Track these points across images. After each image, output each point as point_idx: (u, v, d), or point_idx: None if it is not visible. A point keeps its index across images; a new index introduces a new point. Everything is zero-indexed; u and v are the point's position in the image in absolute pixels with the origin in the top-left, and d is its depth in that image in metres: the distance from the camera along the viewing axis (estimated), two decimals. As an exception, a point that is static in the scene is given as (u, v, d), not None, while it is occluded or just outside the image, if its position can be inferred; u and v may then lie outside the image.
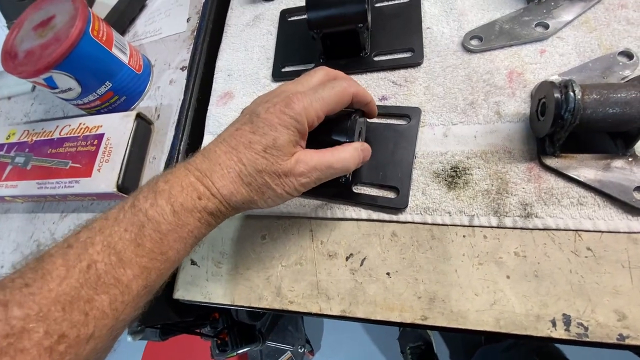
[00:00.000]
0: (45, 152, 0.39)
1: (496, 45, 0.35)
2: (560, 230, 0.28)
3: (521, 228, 0.29)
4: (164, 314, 0.37)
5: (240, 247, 0.36)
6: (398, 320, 0.29)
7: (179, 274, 0.37)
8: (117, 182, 0.35)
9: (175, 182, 0.23)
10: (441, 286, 0.29)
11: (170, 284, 0.36)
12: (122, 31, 0.48)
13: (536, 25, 0.34)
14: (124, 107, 0.42)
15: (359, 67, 0.38)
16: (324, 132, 0.28)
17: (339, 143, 0.28)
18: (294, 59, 0.42)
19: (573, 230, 0.28)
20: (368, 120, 0.35)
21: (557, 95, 0.26)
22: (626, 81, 0.28)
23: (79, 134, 0.38)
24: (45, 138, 0.40)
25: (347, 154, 0.27)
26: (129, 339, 0.36)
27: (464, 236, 0.30)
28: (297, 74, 0.41)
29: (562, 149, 0.29)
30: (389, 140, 0.34)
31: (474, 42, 0.36)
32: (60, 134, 0.40)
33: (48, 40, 0.34)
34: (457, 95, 0.34)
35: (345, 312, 0.31)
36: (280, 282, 0.33)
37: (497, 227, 0.29)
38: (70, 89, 0.37)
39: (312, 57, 0.41)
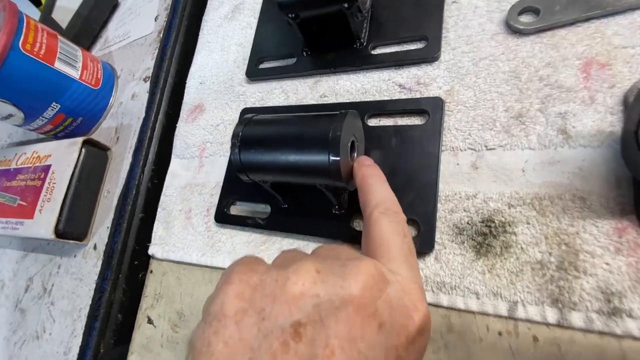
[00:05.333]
0: (2, 184, 0.35)
1: (563, 21, 0.22)
2: (678, 345, 0.16)
3: (600, 332, 0.17)
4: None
5: (199, 308, 0.28)
6: None
7: (134, 334, 0.31)
8: (56, 227, 0.29)
9: None
10: (460, 411, 0.19)
11: (125, 340, 0.31)
12: (93, 37, 0.43)
13: (636, -20, 0.21)
14: (84, 129, 0.36)
15: (352, 63, 0.28)
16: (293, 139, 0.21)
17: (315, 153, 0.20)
18: (273, 52, 0.32)
19: None
20: (368, 123, 0.25)
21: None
22: None
23: (31, 165, 0.34)
24: (4, 168, 0.36)
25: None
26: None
27: (499, 333, 0.19)
28: (276, 70, 0.32)
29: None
30: (401, 152, 0.23)
31: (526, 19, 0.23)
32: (17, 163, 0.35)
33: (-24, 59, 0.29)
34: (496, 103, 0.23)
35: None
36: None
37: (558, 326, 0.18)
38: (11, 115, 0.32)
39: (293, 50, 0.31)
